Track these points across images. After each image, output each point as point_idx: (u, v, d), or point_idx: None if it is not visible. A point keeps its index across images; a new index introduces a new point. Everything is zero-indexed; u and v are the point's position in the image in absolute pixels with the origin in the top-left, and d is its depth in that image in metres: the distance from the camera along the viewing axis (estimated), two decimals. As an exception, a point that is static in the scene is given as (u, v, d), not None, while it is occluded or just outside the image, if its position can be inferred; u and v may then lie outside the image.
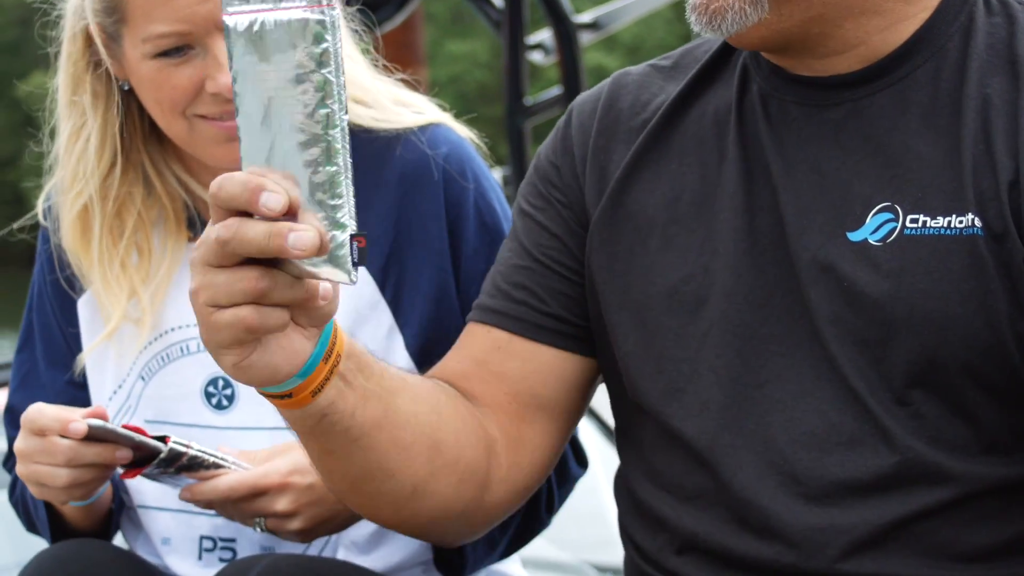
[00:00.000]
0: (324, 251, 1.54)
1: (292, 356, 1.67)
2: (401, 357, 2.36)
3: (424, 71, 7.97)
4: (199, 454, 2.20)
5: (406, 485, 1.89)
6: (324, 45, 1.53)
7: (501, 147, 5.79)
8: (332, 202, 1.54)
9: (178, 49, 2.28)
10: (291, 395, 1.72)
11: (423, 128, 2.42)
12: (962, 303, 1.75)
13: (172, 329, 2.42)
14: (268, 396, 1.73)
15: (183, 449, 2.18)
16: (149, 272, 2.42)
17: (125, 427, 2.17)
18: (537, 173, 2.07)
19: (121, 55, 2.34)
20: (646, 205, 1.96)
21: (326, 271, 1.56)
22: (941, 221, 1.78)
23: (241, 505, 2.23)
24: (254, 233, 1.54)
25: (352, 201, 1.55)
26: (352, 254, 1.55)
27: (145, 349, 2.42)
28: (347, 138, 1.55)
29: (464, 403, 1.98)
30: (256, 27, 1.56)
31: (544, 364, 2.01)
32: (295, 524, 2.24)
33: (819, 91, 1.88)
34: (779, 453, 1.82)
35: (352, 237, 1.55)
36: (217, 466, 2.22)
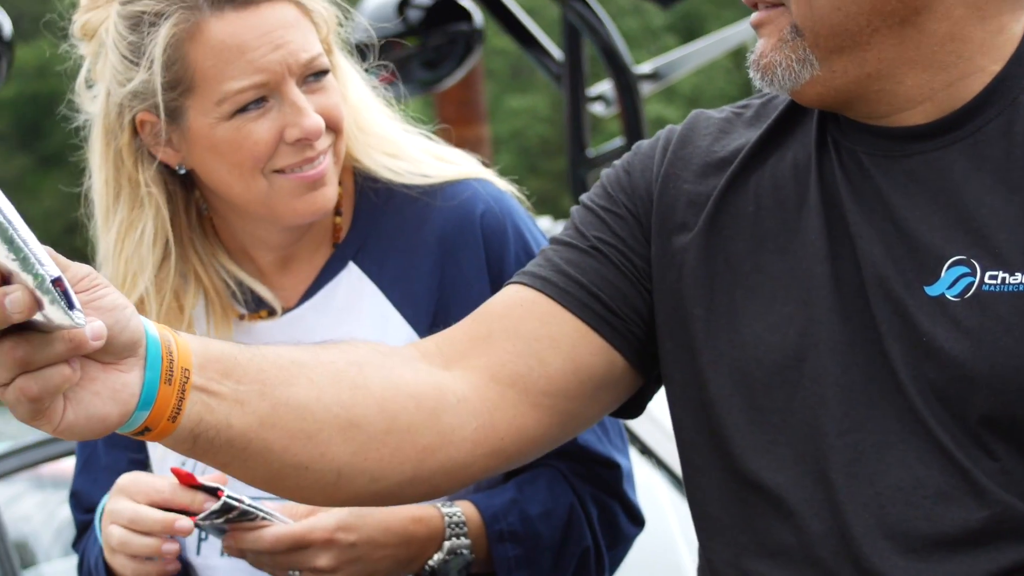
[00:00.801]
0: (40, 305, 1.53)
1: (116, 395, 1.62)
2: None
3: (485, 127, 8.01)
4: (249, 509, 2.20)
5: (328, 472, 1.81)
6: None
7: (564, 200, 5.79)
8: (16, 256, 1.52)
9: (255, 103, 2.29)
10: (148, 429, 1.66)
11: (462, 183, 2.42)
12: None
13: None
14: (129, 436, 1.68)
15: (235, 503, 2.18)
16: None
17: (176, 472, 2.21)
18: (607, 178, 2.05)
19: (183, 132, 2.33)
20: (729, 254, 1.95)
21: (56, 318, 1.54)
22: (1020, 277, 1.75)
23: (280, 557, 2.22)
24: None
25: (36, 247, 1.53)
26: (61, 299, 1.53)
27: None
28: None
29: (403, 363, 1.89)
30: None
31: (565, 335, 1.93)
32: None
33: (890, 142, 1.87)
34: (864, 507, 1.79)
35: (53, 283, 1.53)
36: (263, 519, 2.22)
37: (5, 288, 1.53)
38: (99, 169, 2.41)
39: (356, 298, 2.43)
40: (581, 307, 1.95)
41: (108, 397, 1.62)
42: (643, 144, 2.07)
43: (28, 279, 1.53)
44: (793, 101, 1.98)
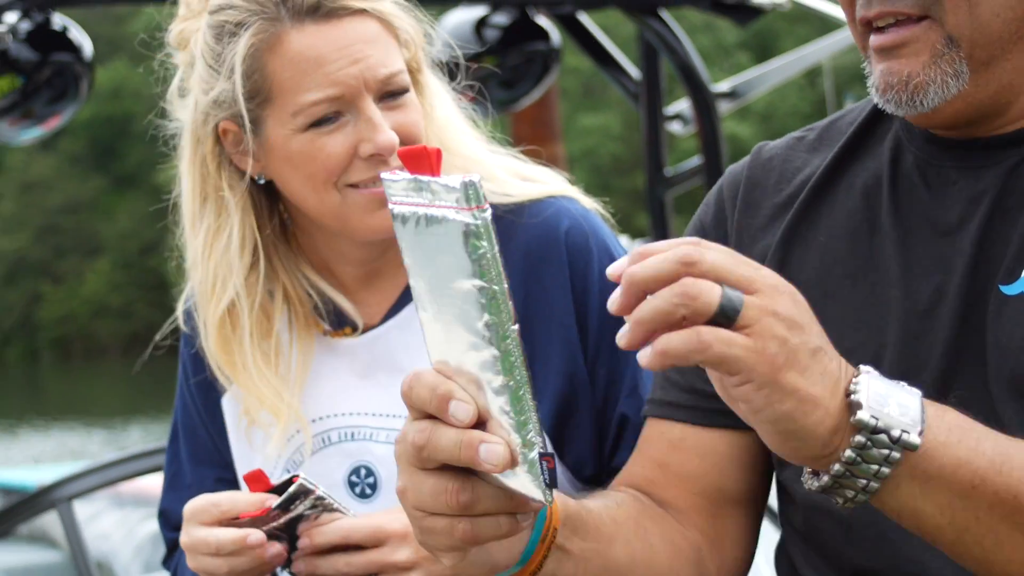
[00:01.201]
0: (514, 464, 1.49)
1: (510, 547, 1.65)
2: None
3: (560, 146, 8.03)
4: (325, 495, 2.20)
5: None
6: (480, 251, 1.46)
7: (637, 218, 5.79)
8: (515, 416, 1.48)
9: (330, 117, 2.30)
10: None
11: (546, 200, 2.41)
12: None
13: (312, 421, 2.43)
14: None
15: (310, 486, 2.18)
16: (282, 369, 2.43)
17: (248, 478, 2.21)
18: None
19: (261, 142, 2.35)
20: (799, 283, 1.93)
21: (518, 485, 1.51)
22: None
23: (355, 559, 2.21)
24: (446, 441, 1.51)
25: (536, 417, 1.48)
26: (543, 474, 1.49)
27: (288, 442, 2.43)
28: (521, 350, 1.47)
29: (666, 520, 1.93)
30: (416, 221, 1.50)
31: (722, 455, 1.96)
32: None
33: (979, 152, 1.85)
34: None
35: (541, 456, 1.49)
36: (336, 511, 2.22)
37: (487, 437, 1.50)
38: (187, 175, 2.43)
39: None
40: (721, 417, 1.93)
41: (506, 547, 1.65)
42: (710, 199, 2.06)
43: (515, 439, 1.49)
44: (862, 124, 1.96)
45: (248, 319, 2.40)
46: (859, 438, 1.50)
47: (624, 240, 6.00)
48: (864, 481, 1.52)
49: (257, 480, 2.23)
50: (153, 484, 4.63)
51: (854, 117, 1.99)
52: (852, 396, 1.51)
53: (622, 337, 1.49)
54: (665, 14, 5.11)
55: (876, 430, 1.50)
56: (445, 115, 2.43)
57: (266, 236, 2.42)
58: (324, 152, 2.30)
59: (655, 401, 2.01)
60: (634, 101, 5.49)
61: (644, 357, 1.47)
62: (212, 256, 2.40)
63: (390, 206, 1.51)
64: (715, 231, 2.02)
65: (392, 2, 2.37)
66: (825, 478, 1.53)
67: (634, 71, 5.47)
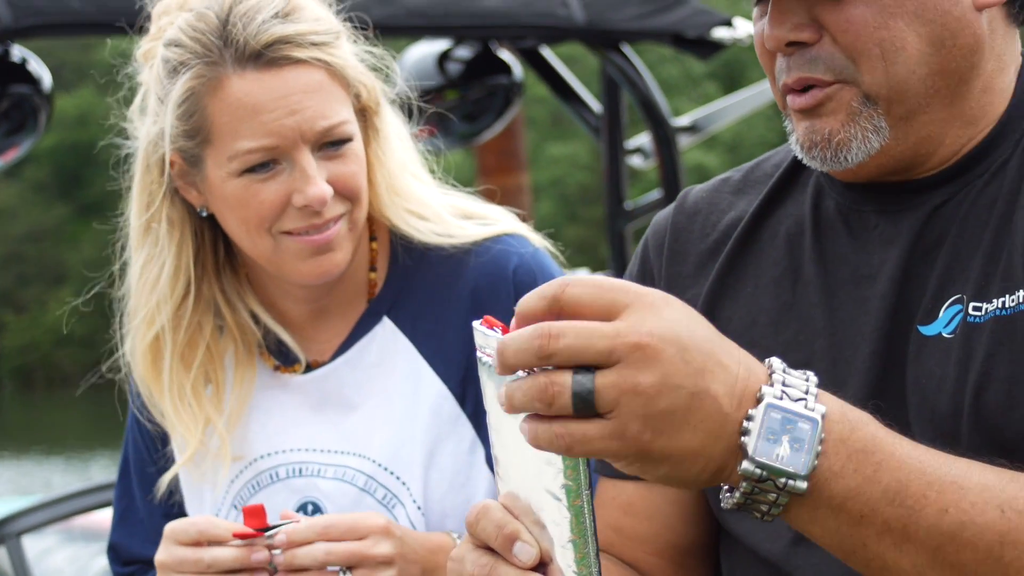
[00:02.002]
0: None
1: None
2: (483, 471, 2.35)
3: (525, 176, 8.04)
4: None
5: None
6: None
7: (603, 248, 5.80)
8: (578, 572, 1.51)
9: (265, 165, 2.30)
10: None
11: (493, 240, 2.42)
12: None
13: (261, 457, 2.43)
14: None
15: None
16: (222, 402, 2.43)
17: (249, 513, 2.23)
18: None
19: (202, 179, 2.35)
20: (726, 333, 1.95)
21: None
22: (996, 303, 1.76)
23: (336, 547, 2.21)
24: None
25: (598, 572, 1.51)
26: None
27: (237, 478, 2.43)
28: (591, 510, 1.50)
29: None
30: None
31: (669, 514, 1.96)
32: (388, 574, 2.22)
33: (899, 196, 1.87)
34: None
35: None
36: None
37: None
38: (134, 200, 2.44)
39: (390, 353, 2.44)
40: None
41: None
42: (638, 251, 2.07)
43: None
44: (787, 169, 1.98)
45: (169, 351, 2.40)
46: (744, 485, 1.50)
47: (584, 272, 6.02)
48: (758, 512, 1.53)
49: (255, 515, 2.23)
50: (105, 518, 4.60)
51: (779, 159, 2.02)
52: (743, 437, 1.49)
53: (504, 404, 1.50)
54: (627, 48, 5.13)
55: (760, 478, 1.50)
56: (397, 160, 2.43)
57: (207, 267, 2.42)
58: (257, 199, 2.30)
59: (600, 460, 2.01)
60: (595, 134, 5.51)
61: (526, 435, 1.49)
62: (146, 284, 2.41)
63: (478, 354, 1.55)
64: (642, 283, 2.03)
65: (348, 46, 2.37)
66: (731, 501, 1.54)
67: (595, 104, 5.49)
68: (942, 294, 1.81)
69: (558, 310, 1.50)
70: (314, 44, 2.31)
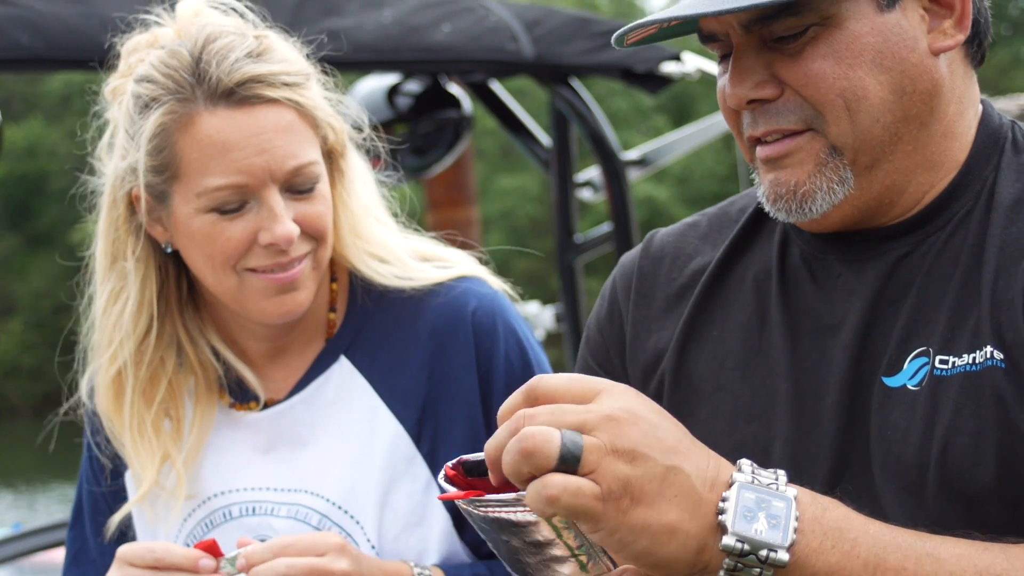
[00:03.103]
0: None
1: None
2: (439, 511, 2.36)
3: (475, 209, 8.04)
4: None
5: None
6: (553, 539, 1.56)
7: (552, 280, 5.81)
8: None
9: (232, 203, 2.30)
10: None
11: (453, 282, 2.43)
12: (991, 437, 1.74)
13: (214, 496, 2.43)
14: None
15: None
16: (181, 438, 2.43)
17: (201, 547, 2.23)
18: (588, 346, 2.07)
19: (168, 215, 2.35)
20: (693, 376, 1.96)
21: None
22: (966, 358, 1.77)
23: (297, 562, 2.21)
24: None
25: None
26: None
27: (190, 516, 2.42)
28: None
29: None
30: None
31: None
32: None
33: (863, 245, 1.89)
34: None
35: None
36: None
37: None
38: (101, 236, 2.44)
39: (346, 392, 2.44)
40: None
41: None
42: (605, 292, 2.09)
43: None
44: (752, 215, 2.00)
45: (131, 386, 2.40)
46: (728, 561, 1.53)
47: (534, 306, 6.03)
48: None
49: (208, 550, 2.23)
50: (56, 555, 4.57)
51: (745, 204, 2.03)
52: (720, 516, 1.54)
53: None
54: (576, 83, 5.16)
55: (743, 552, 1.53)
56: (360, 203, 2.44)
57: (171, 303, 2.43)
58: (224, 236, 2.31)
59: None
60: (545, 168, 5.52)
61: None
62: (109, 319, 2.41)
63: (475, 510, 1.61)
64: (610, 326, 2.05)
65: (317, 88, 2.37)
66: None
67: (545, 138, 5.51)
68: (906, 346, 1.82)
69: (534, 400, 1.54)
70: (286, 84, 2.32)
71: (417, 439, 2.39)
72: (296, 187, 2.33)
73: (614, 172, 5.27)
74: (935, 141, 1.87)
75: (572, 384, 1.54)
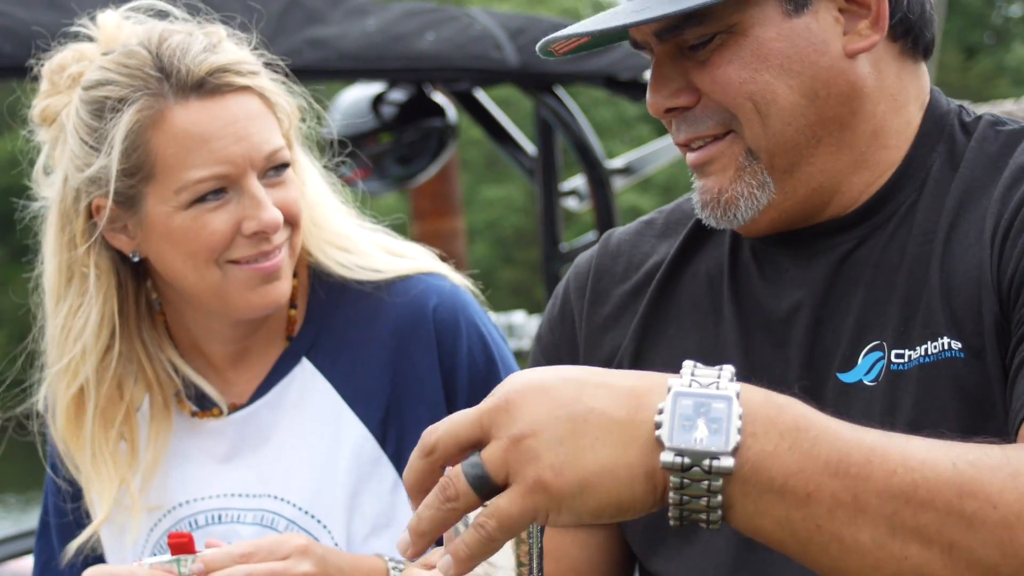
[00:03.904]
0: None
1: None
2: (407, 511, 2.34)
3: (460, 219, 8.04)
4: None
5: None
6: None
7: (538, 291, 5.81)
8: None
9: (215, 193, 2.29)
10: None
11: (415, 278, 2.42)
12: (952, 428, 1.71)
13: (180, 505, 2.41)
14: None
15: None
16: (137, 460, 2.41)
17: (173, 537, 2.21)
18: (540, 345, 2.07)
19: (138, 221, 2.32)
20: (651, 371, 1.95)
21: None
22: (919, 350, 1.77)
23: (257, 568, 2.19)
24: None
25: None
26: None
27: (156, 525, 2.41)
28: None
29: None
30: None
31: (575, 558, 1.96)
32: None
33: (809, 241, 1.89)
34: None
35: None
36: None
37: None
38: (52, 255, 2.39)
39: (309, 395, 2.43)
40: None
41: None
42: (558, 292, 2.09)
43: None
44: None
45: (93, 404, 2.37)
46: (673, 479, 1.42)
47: (520, 315, 6.02)
48: (703, 514, 1.44)
49: (185, 547, 2.21)
50: (25, 563, 4.56)
51: None
52: (657, 432, 1.42)
53: (406, 549, 1.47)
54: (560, 91, 5.16)
55: (684, 467, 1.42)
56: (316, 191, 2.44)
57: (129, 317, 2.40)
58: (207, 229, 2.29)
59: None
60: (530, 177, 5.52)
61: (449, 569, 1.45)
62: (69, 337, 2.37)
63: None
64: (561, 325, 2.05)
65: (267, 77, 2.37)
66: (673, 521, 1.45)
67: (530, 147, 5.50)
68: (859, 341, 1.81)
69: (431, 450, 1.47)
70: (250, 72, 2.32)
71: (382, 440, 2.38)
72: (271, 173, 2.32)
73: (599, 181, 5.27)
74: (864, 141, 1.86)
75: (463, 417, 1.47)
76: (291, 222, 2.35)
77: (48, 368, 2.42)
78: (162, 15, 2.41)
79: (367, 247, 2.45)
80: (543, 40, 1.85)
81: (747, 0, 1.80)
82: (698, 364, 1.47)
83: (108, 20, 2.40)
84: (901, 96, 1.88)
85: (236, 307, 2.35)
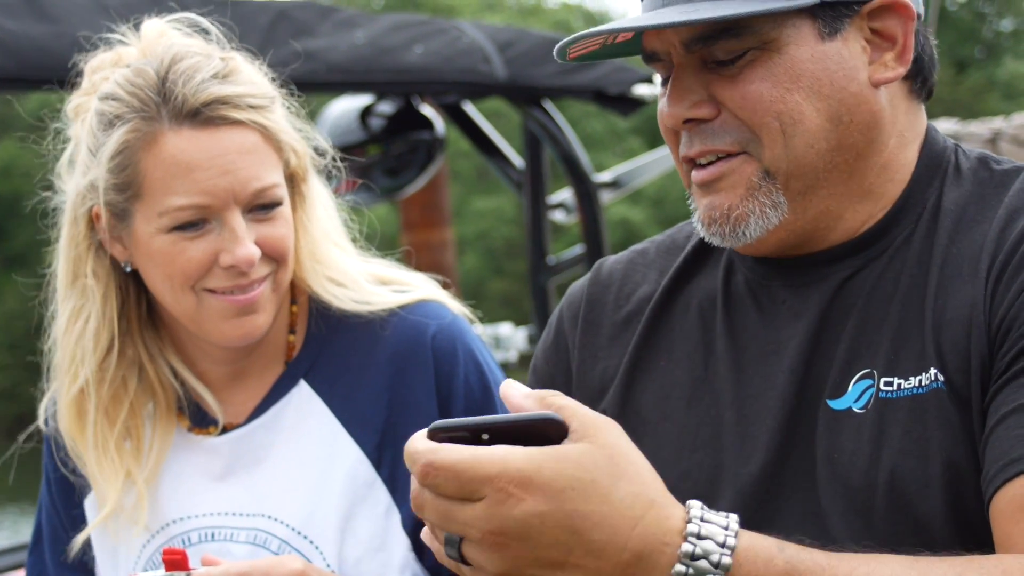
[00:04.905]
0: None
1: None
2: (399, 535, 2.35)
3: (449, 231, 8.06)
4: None
5: None
6: None
7: (528, 302, 5.82)
8: None
9: (194, 223, 2.29)
10: None
11: (412, 306, 2.43)
12: (938, 459, 1.74)
13: (173, 522, 2.42)
14: None
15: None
16: (141, 457, 2.42)
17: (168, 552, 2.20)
18: (535, 375, 2.07)
19: (129, 234, 2.34)
20: (640, 406, 1.96)
21: None
22: (912, 381, 1.78)
23: None
24: None
25: None
26: None
27: (150, 542, 2.41)
28: None
29: None
30: None
31: None
32: None
33: (806, 269, 1.90)
34: None
35: None
36: None
37: None
38: (61, 252, 2.42)
39: (305, 417, 2.43)
40: None
41: None
42: (552, 321, 2.09)
43: None
44: (698, 240, 2.00)
45: (93, 405, 2.39)
46: None
47: (507, 327, 6.03)
48: None
49: (179, 564, 2.21)
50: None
51: (691, 230, 2.03)
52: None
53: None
54: (548, 104, 5.17)
55: None
56: (320, 228, 2.43)
57: (131, 322, 2.42)
58: (184, 256, 2.30)
59: None
60: (517, 189, 5.53)
61: None
62: (70, 338, 2.39)
63: None
64: (556, 355, 2.06)
65: (281, 112, 2.37)
66: None
67: (518, 160, 5.52)
68: (850, 368, 1.82)
69: (424, 479, 1.57)
70: (251, 107, 2.31)
71: (377, 464, 2.39)
72: (258, 210, 2.33)
73: (586, 194, 5.29)
74: (873, 172, 1.87)
75: (461, 473, 1.54)
76: (275, 259, 2.35)
77: (53, 365, 2.44)
78: (205, 33, 2.43)
79: (364, 282, 2.46)
80: (570, 36, 1.83)
81: (785, 18, 1.80)
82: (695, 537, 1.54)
83: (151, 28, 2.41)
84: (908, 133, 1.90)
85: (210, 335, 2.36)
